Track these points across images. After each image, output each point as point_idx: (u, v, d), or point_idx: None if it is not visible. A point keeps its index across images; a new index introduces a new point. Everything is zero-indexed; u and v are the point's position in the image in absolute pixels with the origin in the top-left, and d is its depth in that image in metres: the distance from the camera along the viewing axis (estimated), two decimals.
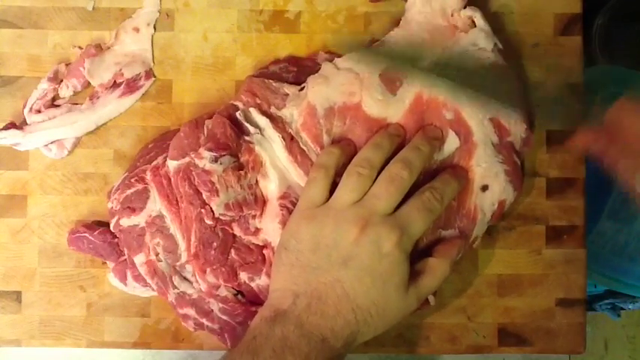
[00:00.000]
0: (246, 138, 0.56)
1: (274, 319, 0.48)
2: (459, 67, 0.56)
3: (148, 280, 0.56)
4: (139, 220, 0.56)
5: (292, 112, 0.56)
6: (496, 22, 0.60)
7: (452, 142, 0.54)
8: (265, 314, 0.49)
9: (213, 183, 0.54)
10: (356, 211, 0.50)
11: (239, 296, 0.56)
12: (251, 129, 0.56)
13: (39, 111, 0.59)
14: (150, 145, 0.59)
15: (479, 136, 0.54)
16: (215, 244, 0.54)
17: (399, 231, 0.49)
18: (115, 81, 0.60)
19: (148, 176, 0.56)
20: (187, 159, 0.55)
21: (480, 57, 0.57)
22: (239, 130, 0.56)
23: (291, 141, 0.55)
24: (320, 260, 0.49)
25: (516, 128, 0.55)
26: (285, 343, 0.47)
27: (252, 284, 0.56)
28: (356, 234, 0.49)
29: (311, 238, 0.50)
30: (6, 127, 0.59)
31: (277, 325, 0.48)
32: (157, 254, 0.56)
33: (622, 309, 0.80)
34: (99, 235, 0.58)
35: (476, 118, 0.54)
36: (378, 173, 0.52)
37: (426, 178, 0.55)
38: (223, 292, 0.56)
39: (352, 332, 0.49)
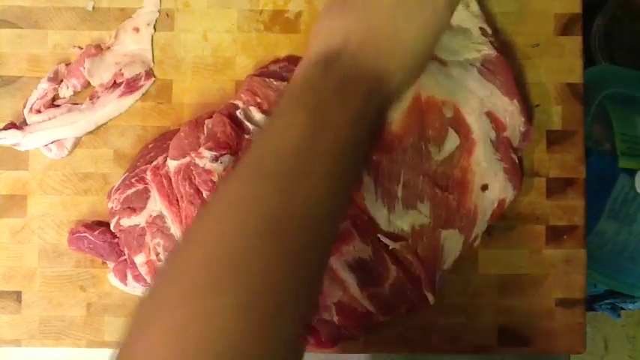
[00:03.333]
0: (247, 137, 0.56)
1: (326, 60, 0.43)
2: (452, 60, 0.56)
3: (149, 280, 0.56)
4: (140, 220, 0.56)
5: None
6: (496, 22, 0.60)
7: (452, 141, 0.55)
8: (313, 59, 0.44)
9: (213, 182, 0.54)
10: None
11: None
12: (251, 128, 0.56)
13: (39, 111, 0.59)
14: (150, 145, 0.59)
15: (478, 132, 0.55)
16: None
17: None
18: (115, 81, 0.60)
19: (149, 176, 0.56)
20: (188, 158, 0.55)
21: (473, 49, 0.57)
22: (239, 129, 0.56)
23: None
24: (371, 1, 0.45)
25: (513, 121, 0.56)
26: (345, 81, 0.42)
27: None
28: None
29: None
30: (6, 127, 0.59)
31: (332, 67, 0.43)
32: (157, 254, 0.56)
33: (622, 309, 0.80)
34: (99, 235, 0.58)
35: (474, 113, 0.54)
36: None
37: (425, 178, 0.55)
38: None
39: (404, 76, 0.45)
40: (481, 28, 0.57)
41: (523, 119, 0.56)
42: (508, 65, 0.57)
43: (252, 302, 0.34)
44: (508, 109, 0.55)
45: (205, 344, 0.32)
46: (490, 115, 0.55)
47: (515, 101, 0.56)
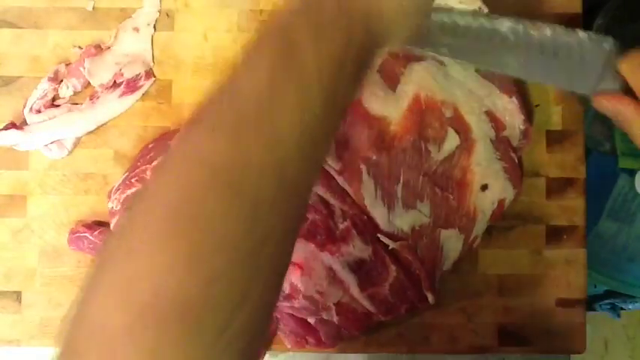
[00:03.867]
0: None
1: (303, 4, 0.38)
2: (449, 60, 0.56)
3: None
4: None
5: None
6: None
7: (452, 140, 0.55)
8: (290, 4, 0.39)
9: None
10: None
11: None
12: None
13: (39, 111, 0.59)
14: (150, 145, 0.59)
15: (477, 132, 0.55)
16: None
17: None
18: (115, 81, 0.60)
19: (149, 176, 0.56)
20: None
21: None
22: None
23: None
24: None
25: (513, 120, 0.56)
26: (322, 23, 0.37)
27: None
28: None
29: None
30: (6, 127, 0.59)
31: (309, 8, 0.38)
32: None
33: (622, 309, 0.80)
34: (99, 235, 0.58)
35: (473, 113, 0.54)
36: None
37: (425, 178, 0.55)
38: None
39: (393, 22, 0.41)
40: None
41: (522, 117, 0.56)
42: None
43: (198, 258, 0.32)
44: (507, 108, 0.56)
45: (151, 299, 0.31)
46: (489, 115, 0.55)
47: (513, 99, 0.56)
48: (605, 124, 0.72)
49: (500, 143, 0.56)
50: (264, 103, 0.35)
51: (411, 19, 0.43)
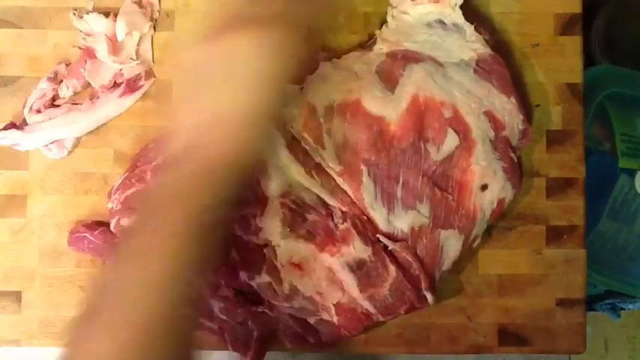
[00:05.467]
0: None
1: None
2: (447, 60, 0.56)
3: None
4: None
5: (292, 112, 0.56)
6: (496, 22, 0.60)
7: (451, 141, 0.55)
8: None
9: None
10: None
11: (239, 296, 0.56)
12: None
13: (39, 111, 0.59)
14: (150, 145, 0.59)
15: (477, 132, 0.55)
16: None
17: None
18: (115, 81, 0.60)
19: (149, 176, 0.56)
20: None
21: (468, 48, 0.57)
22: None
23: (292, 140, 0.55)
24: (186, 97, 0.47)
25: (512, 119, 0.56)
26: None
27: (253, 283, 0.56)
28: None
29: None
30: (6, 127, 0.59)
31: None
32: None
33: (622, 309, 0.80)
34: (99, 235, 0.58)
35: (472, 113, 0.54)
36: None
37: (425, 178, 0.55)
38: (224, 292, 0.56)
39: (239, 147, 0.46)
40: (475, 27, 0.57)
41: (521, 117, 0.56)
42: (503, 63, 0.57)
43: None
44: (506, 107, 0.56)
45: None
46: (488, 115, 0.55)
47: (512, 98, 0.56)
48: (605, 124, 0.72)
49: (500, 143, 0.56)
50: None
51: (259, 130, 0.47)
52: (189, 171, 0.44)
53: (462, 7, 0.57)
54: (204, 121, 0.45)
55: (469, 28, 0.56)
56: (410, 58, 0.56)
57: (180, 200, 0.43)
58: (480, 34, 0.57)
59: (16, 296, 0.59)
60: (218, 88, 0.45)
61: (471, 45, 0.57)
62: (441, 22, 0.57)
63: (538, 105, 0.60)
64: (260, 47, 0.45)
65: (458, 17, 0.56)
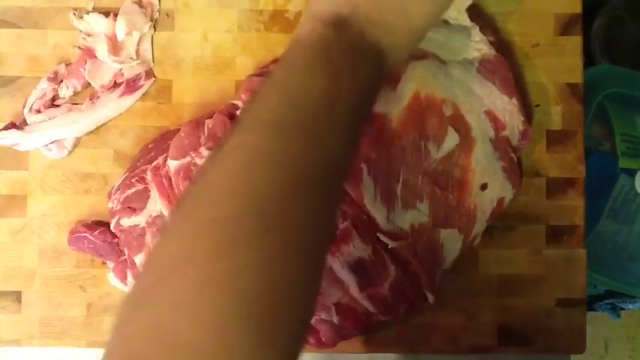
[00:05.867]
0: None
1: (336, 23, 0.42)
2: (451, 59, 0.56)
3: None
4: (140, 220, 0.56)
5: None
6: (496, 22, 0.60)
7: (451, 139, 0.55)
8: (321, 17, 0.43)
9: None
10: None
11: None
12: None
13: (39, 111, 0.59)
14: (150, 145, 0.59)
15: (477, 131, 0.55)
16: None
17: None
18: (115, 81, 0.60)
19: (149, 176, 0.56)
20: (188, 159, 0.55)
21: (472, 48, 0.57)
22: None
23: None
24: None
25: (512, 120, 0.56)
26: (353, 49, 0.42)
27: None
28: None
29: None
30: (6, 127, 0.59)
31: (341, 30, 0.42)
32: None
33: (622, 309, 0.80)
34: (99, 235, 0.58)
35: (473, 112, 0.54)
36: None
37: (425, 177, 0.55)
38: None
39: (401, 55, 0.45)
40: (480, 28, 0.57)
41: (522, 118, 0.56)
42: (507, 64, 0.57)
43: (276, 258, 0.35)
44: (507, 108, 0.56)
45: (227, 302, 0.33)
46: (489, 114, 0.55)
47: (513, 99, 0.56)
48: (605, 124, 0.72)
49: (500, 143, 0.56)
50: (322, 120, 0.39)
51: (412, 49, 0.46)
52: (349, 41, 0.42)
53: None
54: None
55: (474, 29, 0.56)
56: (413, 55, 0.56)
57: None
58: (485, 35, 0.57)
59: (16, 296, 0.59)
60: None
61: (475, 45, 0.56)
62: (446, 22, 0.57)
63: (538, 105, 0.60)
64: None
65: (464, 19, 0.56)
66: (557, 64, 0.60)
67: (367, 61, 0.42)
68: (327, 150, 0.39)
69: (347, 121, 0.40)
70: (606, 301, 0.79)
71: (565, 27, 0.61)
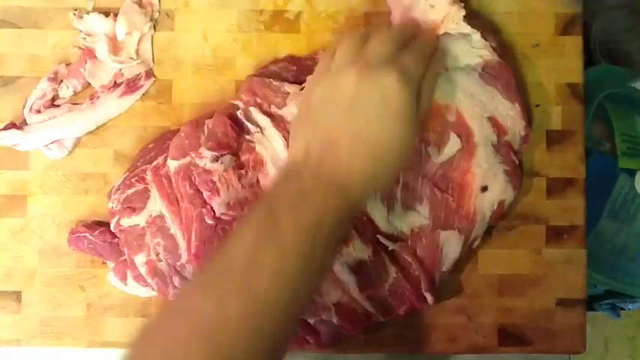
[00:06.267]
0: (247, 137, 0.56)
1: (287, 176, 0.47)
2: (453, 65, 0.56)
3: (149, 280, 0.56)
4: (140, 220, 0.56)
5: (293, 111, 0.56)
6: (496, 22, 0.60)
7: (453, 145, 0.55)
8: (280, 175, 0.49)
9: (214, 182, 0.54)
10: (354, 60, 0.49)
11: None
12: (252, 128, 0.56)
13: (39, 111, 0.59)
14: (150, 145, 0.59)
15: (479, 137, 0.55)
16: (216, 243, 0.54)
17: (398, 68, 0.48)
18: (115, 81, 0.60)
19: (149, 176, 0.56)
20: (188, 159, 0.55)
21: (474, 54, 0.57)
22: (240, 129, 0.56)
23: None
24: (326, 108, 0.48)
25: (514, 125, 0.56)
26: (300, 195, 0.45)
27: None
28: (355, 76, 0.47)
29: (319, 94, 0.49)
30: (6, 127, 0.59)
31: (291, 181, 0.46)
32: (157, 254, 0.56)
33: (622, 309, 0.80)
34: (99, 235, 0.58)
35: (476, 118, 0.54)
36: None
37: (425, 180, 0.55)
38: None
39: (370, 173, 0.47)
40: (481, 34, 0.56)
41: (524, 123, 0.56)
42: (509, 70, 0.57)
43: None
44: (509, 114, 0.56)
45: None
46: (492, 119, 0.55)
47: (516, 105, 0.56)
48: (605, 124, 0.72)
49: (502, 147, 0.56)
50: (246, 269, 0.42)
51: (385, 179, 0.49)
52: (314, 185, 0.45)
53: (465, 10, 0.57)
54: (345, 143, 0.47)
55: (475, 35, 0.56)
56: None
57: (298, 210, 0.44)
58: (487, 40, 0.56)
59: (16, 296, 0.59)
60: (371, 119, 0.47)
61: (477, 51, 0.56)
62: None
63: (538, 105, 0.60)
64: (406, 86, 0.47)
65: (463, 27, 0.55)
66: (558, 64, 0.60)
67: (315, 202, 0.45)
68: (249, 305, 0.42)
69: (284, 267, 0.43)
70: (606, 301, 0.79)
71: (565, 27, 0.61)
